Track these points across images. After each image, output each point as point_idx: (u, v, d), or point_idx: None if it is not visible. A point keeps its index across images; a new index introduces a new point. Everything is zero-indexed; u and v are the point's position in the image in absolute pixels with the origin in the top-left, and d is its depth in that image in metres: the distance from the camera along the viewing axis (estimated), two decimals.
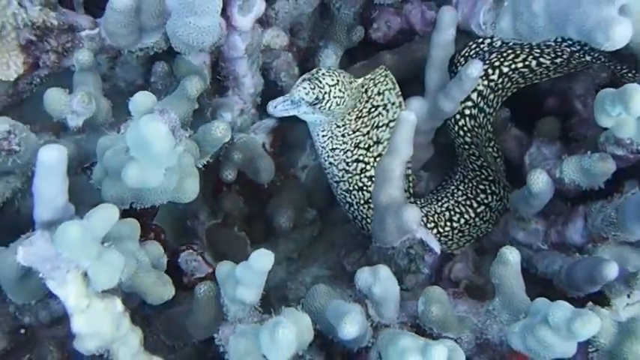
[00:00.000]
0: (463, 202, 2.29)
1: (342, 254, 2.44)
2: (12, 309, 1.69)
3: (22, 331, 1.75)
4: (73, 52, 1.87)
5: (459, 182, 2.34)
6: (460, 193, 2.32)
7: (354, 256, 2.38)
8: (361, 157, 2.19)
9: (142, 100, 1.52)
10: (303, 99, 1.99)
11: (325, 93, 2.00)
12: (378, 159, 2.14)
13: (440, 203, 2.29)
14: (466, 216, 2.28)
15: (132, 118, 1.56)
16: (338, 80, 2.03)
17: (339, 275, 2.38)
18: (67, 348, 1.74)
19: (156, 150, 1.43)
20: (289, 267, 2.47)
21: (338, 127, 2.16)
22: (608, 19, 1.52)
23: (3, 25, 1.73)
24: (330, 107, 2.03)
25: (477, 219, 2.29)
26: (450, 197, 2.31)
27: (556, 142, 2.10)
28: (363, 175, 2.20)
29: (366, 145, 2.18)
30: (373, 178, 2.04)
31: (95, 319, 1.45)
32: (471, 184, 2.31)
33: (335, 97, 2.02)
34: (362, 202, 2.22)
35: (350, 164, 2.20)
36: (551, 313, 1.45)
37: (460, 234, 2.27)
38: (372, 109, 2.15)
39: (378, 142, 2.17)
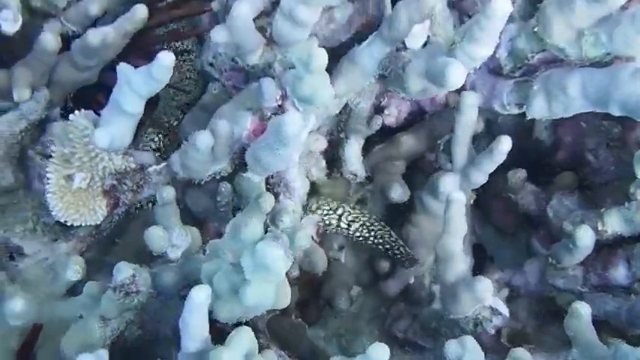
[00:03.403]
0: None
1: (389, 322, 2.61)
2: None
3: None
4: (144, 187, 2.00)
5: None
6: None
7: (404, 323, 2.54)
8: None
9: (252, 230, 1.67)
10: None
11: None
12: None
13: None
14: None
15: (245, 245, 1.68)
16: None
17: (387, 342, 2.52)
18: None
19: (275, 271, 1.58)
20: (340, 342, 2.62)
21: None
22: None
23: (92, 177, 1.85)
24: None
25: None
26: None
27: (575, 193, 2.26)
28: None
29: None
30: None
31: None
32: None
33: None
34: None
35: None
36: None
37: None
38: None
39: None
